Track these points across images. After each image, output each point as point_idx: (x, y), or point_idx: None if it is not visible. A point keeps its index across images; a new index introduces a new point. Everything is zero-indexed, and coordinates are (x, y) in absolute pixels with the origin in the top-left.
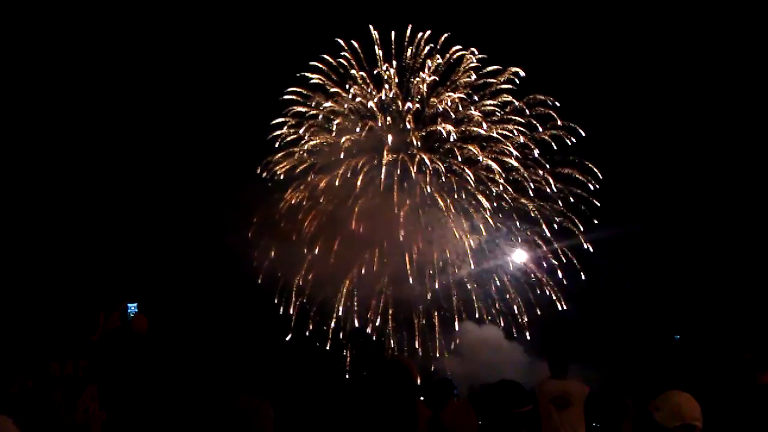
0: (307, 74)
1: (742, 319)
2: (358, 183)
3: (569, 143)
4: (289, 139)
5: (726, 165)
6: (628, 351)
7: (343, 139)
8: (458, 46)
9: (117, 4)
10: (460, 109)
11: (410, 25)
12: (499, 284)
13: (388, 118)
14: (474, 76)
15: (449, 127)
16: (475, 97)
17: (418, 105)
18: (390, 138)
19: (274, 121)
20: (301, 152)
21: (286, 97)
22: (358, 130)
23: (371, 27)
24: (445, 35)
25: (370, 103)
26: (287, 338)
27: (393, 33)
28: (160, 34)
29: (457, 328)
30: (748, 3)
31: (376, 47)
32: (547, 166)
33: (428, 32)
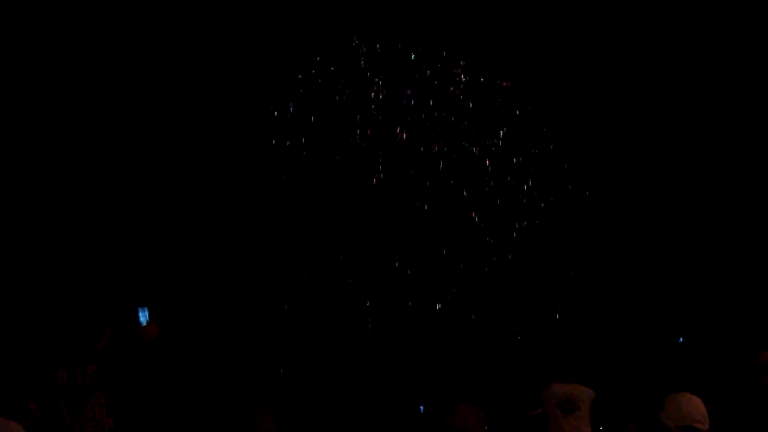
0: (290, 90)
1: (745, 321)
2: (350, 200)
3: (565, 166)
4: (273, 153)
5: (728, 166)
6: (631, 354)
7: (332, 156)
8: (447, 59)
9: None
10: (452, 122)
11: (397, 37)
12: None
13: (379, 133)
14: (463, 88)
15: (440, 142)
16: (466, 111)
17: (408, 118)
18: (380, 154)
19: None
20: (287, 173)
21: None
22: (346, 145)
23: (355, 38)
24: (434, 47)
25: (358, 117)
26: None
27: (378, 45)
28: (131, 63)
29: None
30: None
31: (361, 60)
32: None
33: (416, 44)
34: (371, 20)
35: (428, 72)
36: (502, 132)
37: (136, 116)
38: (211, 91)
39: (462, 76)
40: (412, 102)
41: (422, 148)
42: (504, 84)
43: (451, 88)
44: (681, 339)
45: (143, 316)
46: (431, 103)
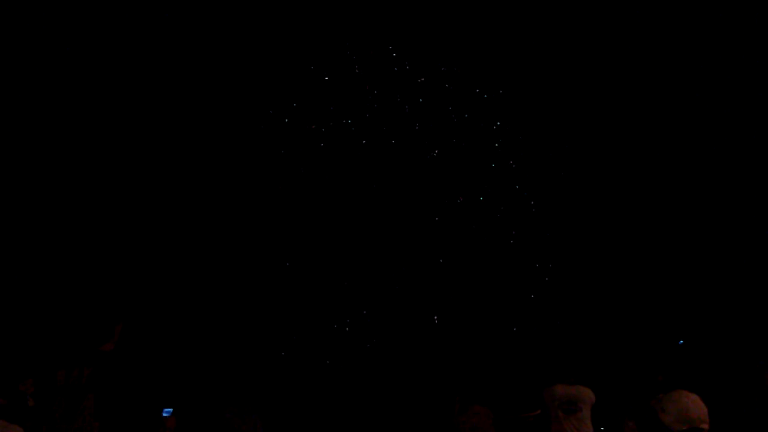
0: (283, 101)
1: (745, 322)
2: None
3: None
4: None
5: (727, 169)
6: (632, 354)
7: (329, 163)
8: (439, 66)
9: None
10: (446, 128)
11: (390, 46)
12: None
13: (373, 140)
14: (457, 96)
15: (435, 150)
16: (461, 119)
17: (402, 125)
18: (375, 158)
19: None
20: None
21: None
22: (342, 153)
23: (347, 49)
24: (426, 55)
25: (353, 126)
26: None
27: (371, 53)
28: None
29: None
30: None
31: (355, 67)
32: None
33: (409, 51)
34: (366, 28)
35: (422, 79)
36: (497, 144)
37: (147, 129)
38: (206, 101)
39: (455, 84)
40: (407, 109)
41: (417, 156)
42: (500, 91)
43: (446, 95)
44: (681, 341)
45: (166, 413)
46: (426, 110)
